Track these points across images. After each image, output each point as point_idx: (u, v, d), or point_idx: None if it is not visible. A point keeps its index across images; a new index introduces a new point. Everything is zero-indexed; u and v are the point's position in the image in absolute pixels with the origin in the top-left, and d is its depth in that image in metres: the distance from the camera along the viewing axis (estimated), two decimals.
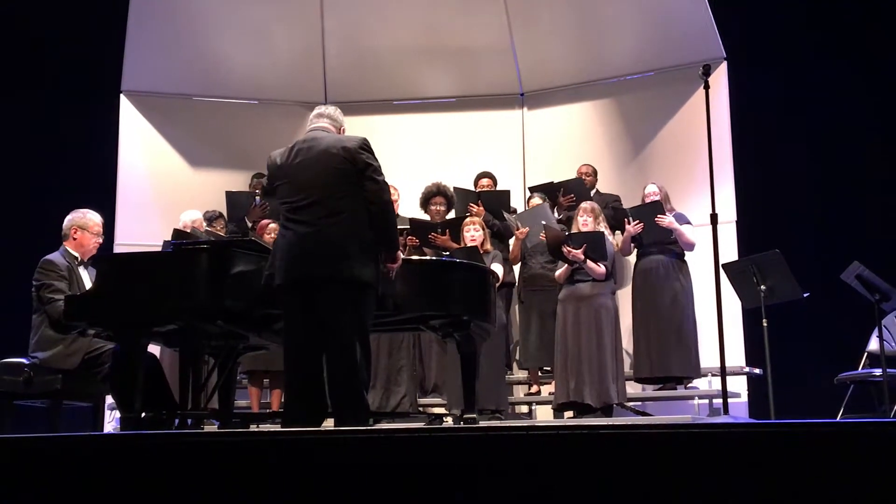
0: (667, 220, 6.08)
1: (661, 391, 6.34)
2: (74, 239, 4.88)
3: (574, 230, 6.11)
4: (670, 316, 6.06)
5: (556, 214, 6.67)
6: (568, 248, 5.86)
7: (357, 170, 3.93)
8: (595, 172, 7.06)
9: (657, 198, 6.20)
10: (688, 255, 6.21)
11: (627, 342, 6.47)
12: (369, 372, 4.07)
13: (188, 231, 6.26)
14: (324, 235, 3.88)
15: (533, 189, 6.93)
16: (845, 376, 6.03)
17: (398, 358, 6.05)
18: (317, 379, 3.91)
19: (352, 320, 3.85)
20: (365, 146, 4.00)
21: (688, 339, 6.05)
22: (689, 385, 6.27)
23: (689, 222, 6.14)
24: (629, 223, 6.18)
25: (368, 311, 3.96)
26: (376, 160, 4.00)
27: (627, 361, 6.42)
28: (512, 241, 6.73)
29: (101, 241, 5.00)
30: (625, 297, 6.59)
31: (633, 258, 6.57)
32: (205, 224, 6.62)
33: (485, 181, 7.02)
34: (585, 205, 6.20)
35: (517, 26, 7.72)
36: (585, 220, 6.06)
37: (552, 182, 6.87)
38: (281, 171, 4.06)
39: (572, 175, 6.99)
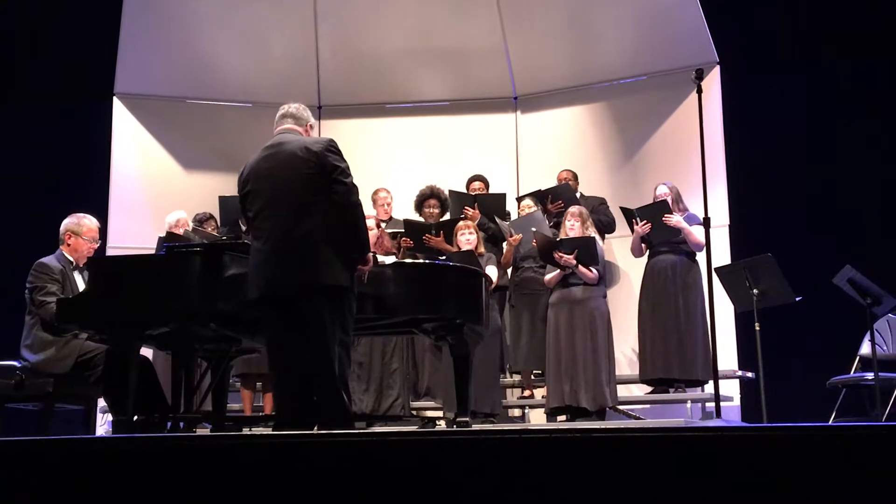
0: (674, 219, 6.06)
1: (653, 395, 6.34)
2: (69, 244, 4.88)
3: (562, 235, 6.11)
4: (678, 317, 6.01)
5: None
6: (560, 254, 5.86)
7: (325, 172, 3.88)
8: (576, 177, 7.05)
9: (666, 198, 6.19)
10: None
11: (633, 342, 6.46)
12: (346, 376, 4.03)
13: (180, 233, 6.25)
14: (297, 242, 3.82)
15: (521, 198, 6.92)
16: (837, 380, 6.05)
17: (391, 361, 6.05)
18: (305, 382, 3.90)
19: (331, 325, 3.81)
20: (332, 147, 3.93)
21: (696, 340, 5.97)
22: (679, 388, 6.24)
23: (700, 223, 6.05)
24: (637, 223, 6.17)
25: (349, 314, 3.92)
26: (344, 161, 3.93)
27: (623, 363, 6.40)
28: (505, 246, 6.73)
29: (96, 245, 4.99)
30: (624, 298, 6.59)
31: (629, 260, 6.58)
32: (191, 223, 6.60)
33: (476, 184, 7.02)
34: (573, 209, 6.19)
35: (511, 30, 7.73)
36: (573, 225, 6.06)
37: (539, 189, 6.86)
38: (249, 179, 4.02)
39: None
